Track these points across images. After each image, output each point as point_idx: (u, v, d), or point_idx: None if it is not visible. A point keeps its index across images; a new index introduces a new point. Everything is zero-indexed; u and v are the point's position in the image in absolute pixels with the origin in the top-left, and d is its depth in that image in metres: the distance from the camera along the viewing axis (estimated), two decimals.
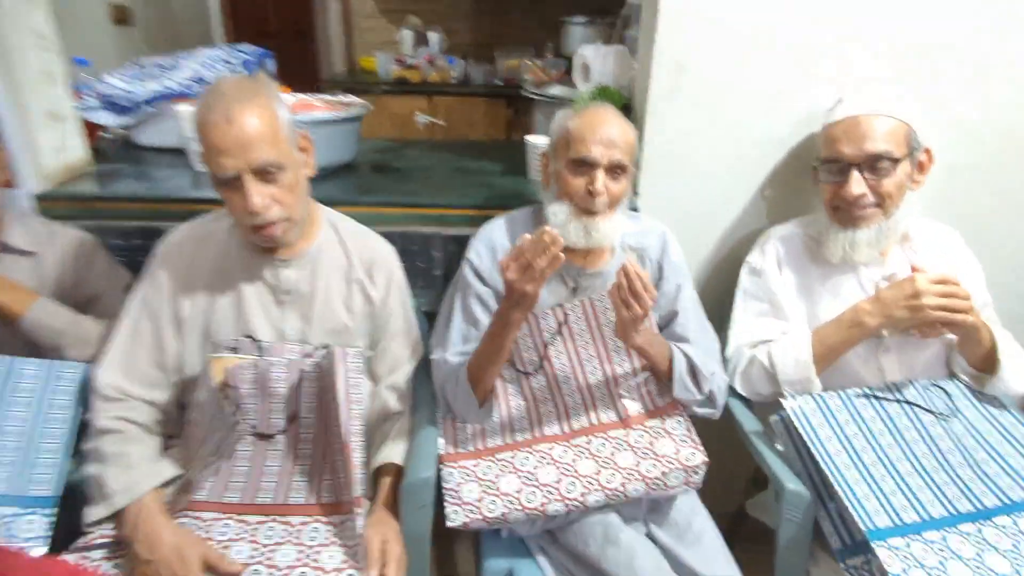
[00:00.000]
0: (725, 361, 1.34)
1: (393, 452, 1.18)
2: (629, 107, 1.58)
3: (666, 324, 1.30)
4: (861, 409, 1.20)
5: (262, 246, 1.15)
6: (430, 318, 1.40)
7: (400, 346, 1.29)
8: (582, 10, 3.45)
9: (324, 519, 1.09)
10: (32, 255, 1.26)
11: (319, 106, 1.60)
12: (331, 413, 1.11)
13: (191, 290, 1.16)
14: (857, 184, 1.20)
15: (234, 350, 1.15)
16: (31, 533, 1.03)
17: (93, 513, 1.04)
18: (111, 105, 1.73)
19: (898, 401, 1.21)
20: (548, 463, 1.17)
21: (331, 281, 1.21)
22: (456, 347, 1.23)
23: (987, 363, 1.23)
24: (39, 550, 1.02)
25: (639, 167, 1.42)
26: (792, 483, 1.12)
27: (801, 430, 1.15)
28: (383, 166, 1.78)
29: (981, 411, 1.24)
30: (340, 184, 1.60)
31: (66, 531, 1.06)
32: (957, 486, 1.12)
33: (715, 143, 1.45)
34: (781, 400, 1.21)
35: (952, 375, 1.30)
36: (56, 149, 1.52)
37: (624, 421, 1.22)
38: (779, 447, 1.23)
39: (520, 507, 1.12)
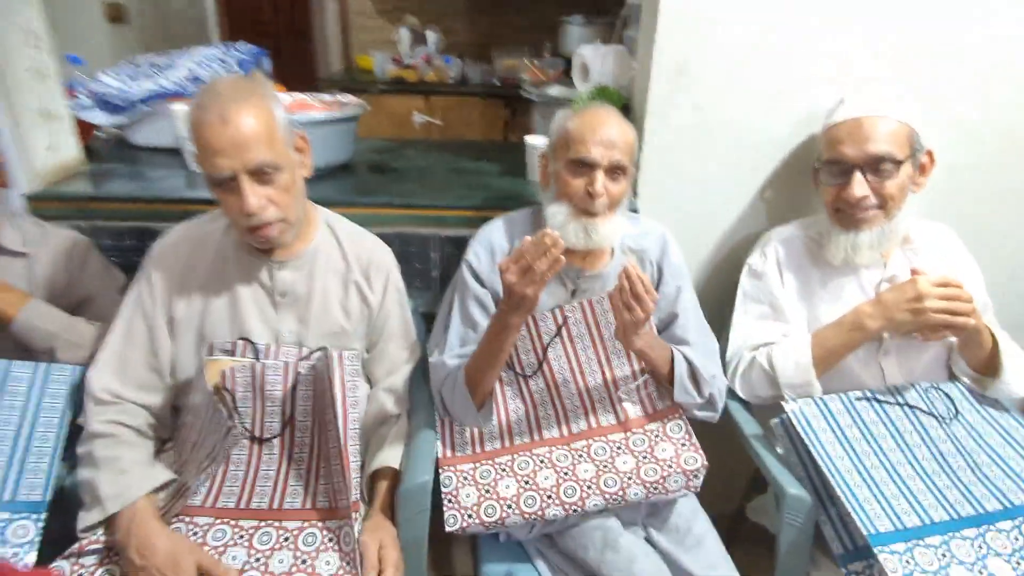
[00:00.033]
0: (725, 364, 1.33)
1: (390, 456, 1.17)
2: (628, 107, 1.57)
3: (666, 326, 1.29)
4: (863, 412, 1.19)
5: (258, 247, 1.14)
6: (428, 320, 1.39)
7: (397, 348, 1.28)
8: (580, 10, 3.44)
9: (320, 524, 1.08)
10: (24, 256, 1.25)
11: (316, 106, 1.58)
12: (327, 417, 1.10)
13: (186, 292, 1.15)
14: (860, 186, 1.20)
15: (229, 353, 1.14)
16: (21, 539, 1.01)
17: (86, 519, 1.03)
18: (105, 104, 1.72)
19: (899, 404, 1.21)
20: (547, 467, 1.16)
21: (328, 283, 1.20)
22: (454, 349, 1.22)
23: (988, 366, 1.23)
24: (30, 556, 1.00)
25: (639, 168, 1.42)
26: (793, 487, 1.12)
27: (802, 433, 1.15)
28: (380, 166, 1.77)
29: (982, 414, 1.23)
30: (337, 185, 1.59)
31: (58, 536, 1.04)
32: (959, 490, 1.11)
33: (715, 144, 1.44)
34: (782, 403, 1.20)
35: (953, 378, 1.29)
36: (48, 148, 1.51)
37: (623, 424, 1.21)
38: (779, 450, 1.22)
39: (518, 511, 1.11)
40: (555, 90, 1.98)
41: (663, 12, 1.33)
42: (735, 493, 1.58)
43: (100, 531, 1.04)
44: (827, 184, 1.26)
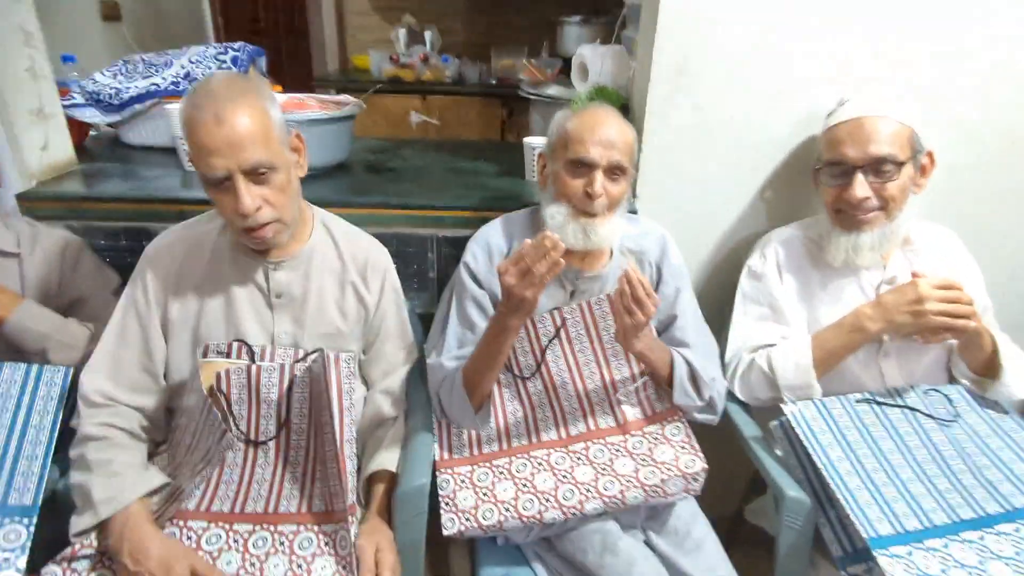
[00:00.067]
0: (724, 365, 1.32)
1: (387, 458, 1.16)
2: (627, 107, 1.56)
3: (665, 328, 1.28)
4: (862, 415, 1.18)
5: (253, 248, 1.13)
6: (425, 321, 1.38)
7: (394, 350, 1.27)
8: (577, 10, 3.44)
9: (316, 528, 1.07)
10: (15, 256, 1.23)
11: (312, 105, 1.57)
12: (323, 419, 1.09)
13: (180, 293, 1.14)
14: (861, 187, 1.19)
15: (224, 354, 1.12)
16: (12, 543, 1.00)
17: (78, 523, 1.01)
18: (98, 103, 1.70)
19: (900, 406, 1.20)
20: (545, 470, 1.15)
21: (324, 284, 1.19)
22: (452, 351, 1.21)
23: (989, 368, 1.22)
24: (20, 561, 0.99)
25: (638, 169, 1.41)
26: (793, 490, 1.11)
27: (802, 436, 1.14)
28: (377, 166, 1.76)
29: (983, 416, 1.22)
30: (333, 184, 1.57)
31: (49, 541, 1.03)
32: (959, 493, 1.10)
33: (715, 144, 1.43)
34: (781, 405, 1.19)
35: (953, 380, 1.29)
36: (40, 147, 1.49)
37: (622, 427, 1.20)
38: (778, 452, 1.22)
39: (516, 515, 1.10)
40: (554, 90, 1.97)
41: (663, 12, 1.32)
42: (734, 495, 1.57)
43: (93, 536, 1.03)
44: (828, 185, 1.26)
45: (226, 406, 1.08)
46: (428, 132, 3.41)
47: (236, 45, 1.83)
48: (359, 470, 1.17)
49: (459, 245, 1.32)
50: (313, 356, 1.13)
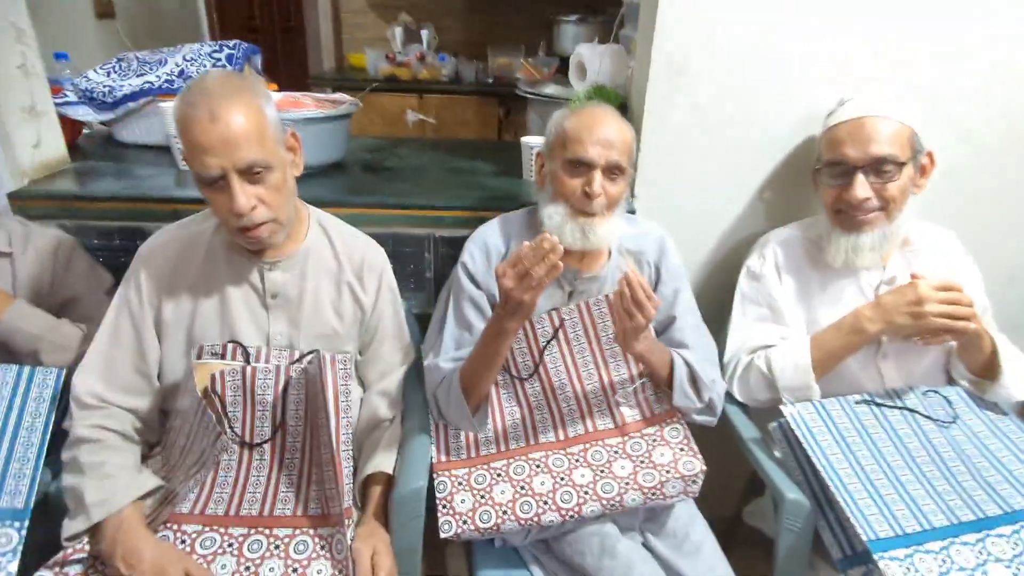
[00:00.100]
0: (722, 367, 1.32)
1: (383, 461, 1.15)
2: (626, 107, 1.56)
3: (664, 329, 1.27)
4: (862, 416, 1.18)
5: (248, 248, 1.11)
6: (422, 321, 1.37)
7: (391, 351, 1.26)
8: (574, 9, 3.43)
9: (312, 531, 1.06)
10: (7, 256, 1.22)
11: (307, 103, 1.56)
12: (319, 421, 1.08)
13: (174, 293, 1.13)
14: (862, 188, 1.18)
15: (219, 356, 1.11)
16: (4, 547, 0.99)
17: (71, 527, 1.00)
18: (91, 100, 1.69)
19: (899, 408, 1.20)
20: (543, 472, 1.15)
21: (320, 284, 1.18)
22: (449, 352, 1.20)
23: (988, 369, 1.22)
24: (12, 565, 0.98)
25: (636, 168, 1.40)
26: (792, 492, 1.11)
27: (801, 437, 1.13)
28: (373, 165, 1.75)
29: (982, 418, 1.22)
30: (329, 184, 1.56)
31: (42, 545, 1.02)
32: (959, 495, 1.10)
33: (713, 144, 1.43)
34: (780, 407, 1.18)
35: (952, 381, 1.29)
36: (33, 146, 1.48)
37: (621, 428, 1.20)
38: (777, 454, 1.21)
39: (514, 517, 1.09)
40: (552, 89, 1.96)
41: (662, 11, 1.31)
42: (731, 496, 1.57)
43: (85, 539, 1.01)
44: (828, 185, 1.25)
45: (221, 408, 1.07)
46: (425, 131, 3.40)
47: (231, 43, 1.82)
48: (355, 472, 1.16)
49: (456, 245, 1.31)
50: (309, 357, 1.12)
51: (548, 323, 1.21)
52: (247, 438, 1.09)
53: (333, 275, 1.19)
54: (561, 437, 1.20)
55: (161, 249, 1.14)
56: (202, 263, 1.14)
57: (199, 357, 1.10)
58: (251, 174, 1.01)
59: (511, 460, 1.17)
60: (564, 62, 1.92)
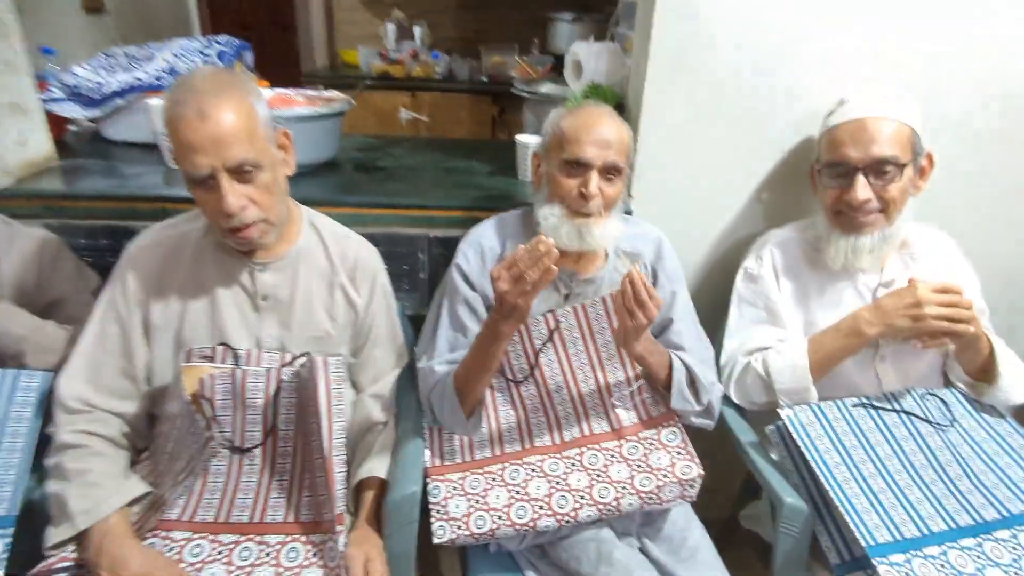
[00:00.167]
0: (719, 369, 1.31)
1: (377, 465, 1.13)
2: (622, 106, 1.54)
3: (660, 331, 1.26)
4: (859, 419, 1.17)
5: (238, 249, 1.09)
6: (415, 323, 1.36)
7: (384, 353, 1.24)
8: (568, 7, 3.42)
9: (303, 538, 1.04)
10: None
11: (299, 101, 1.55)
12: (311, 425, 1.06)
13: (162, 295, 1.10)
14: (863, 189, 1.17)
15: (208, 359, 1.09)
16: None
17: (54, 535, 0.98)
18: (78, 97, 1.66)
19: (896, 411, 1.19)
20: (539, 476, 1.13)
21: (312, 286, 1.16)
22: (443, 355, 1.19)
23: (985, 372, 1.22)
24: None
25: (633, 169, 1.39)
26: (790, 497, 1.10)
27: (798, 441, 1.12)
28: (366, 164, 1.73)
29: (979, 421, 1.22)
30: (321, 183, 1.55)
31: (26, 552, 0.99)
32: (956, 499, 1.10)
33: (711, 145, 1.41)
34: (777, 410, 1.17)
35: (949, 384, 1.28)
36: (17, 143, 1.45)
37: (617, 432, 1.18)
38: (774, 457, 1.20)
39: (509, 523, 1.08)
40: (547, 87, 1.94)
41: (659, 10, 1.30)
42: (727, 498, 1.56)
43: (70, 547, 0.99)
44: (827, 186, 1.24)
45: (210, 412, 1.05)
46: (418, 129, 3.39)
47: (221, 39, 1.79)
48: (348, 477, 1.14)
49: (450, 245, 1.30)
50: (301, 360, 1.10)
51: (544, 325, 1.19)
52: (237, 443, 1.07)
53: (325, 276, 1.17)
54: (557, 441, 1.18)
55: (149, 250, 1.12)
56: (191, 264, 1.12)
57: (188, 360, 1.08)
58: (241, 173, 0.99)
59: (506, 464, 1.15)
60: (558, 60, 1.90)
